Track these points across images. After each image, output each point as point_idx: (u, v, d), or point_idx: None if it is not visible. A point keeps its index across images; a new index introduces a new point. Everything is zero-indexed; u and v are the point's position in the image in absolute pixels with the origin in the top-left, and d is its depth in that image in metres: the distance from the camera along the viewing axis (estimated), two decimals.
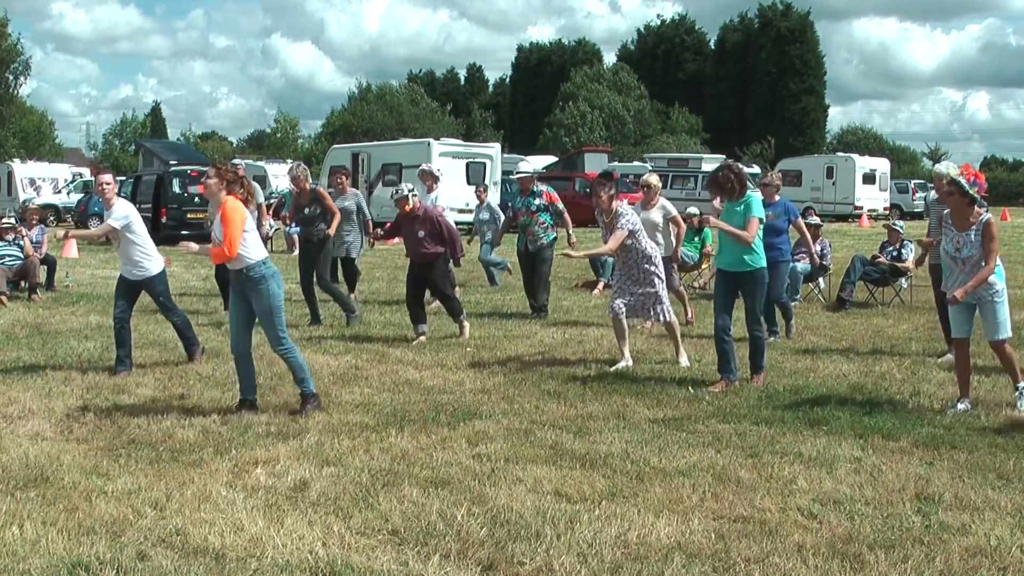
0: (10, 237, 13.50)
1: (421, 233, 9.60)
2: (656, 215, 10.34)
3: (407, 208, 9.65)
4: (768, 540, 4.38)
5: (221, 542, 4.34)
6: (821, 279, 13.56)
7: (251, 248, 6.67)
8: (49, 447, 5.88)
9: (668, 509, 4.77)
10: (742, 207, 7.55)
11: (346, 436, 6.12)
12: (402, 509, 4.76)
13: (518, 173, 12.18)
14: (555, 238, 11.62)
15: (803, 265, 13.06)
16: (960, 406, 6.78)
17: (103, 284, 14.42)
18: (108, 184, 8.27)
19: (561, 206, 11.67)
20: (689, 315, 10.79)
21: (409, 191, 9.75)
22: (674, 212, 10.63)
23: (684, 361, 8.52)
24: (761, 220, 7.59)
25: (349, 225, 12.55)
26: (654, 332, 10.15)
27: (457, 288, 12.97)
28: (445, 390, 7.54)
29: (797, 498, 4.95)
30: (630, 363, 8.42)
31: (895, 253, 12.71)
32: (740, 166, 8.16)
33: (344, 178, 12.72)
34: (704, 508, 4.81)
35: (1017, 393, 6.77)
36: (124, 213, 8.15)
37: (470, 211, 20.64)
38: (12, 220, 14.31)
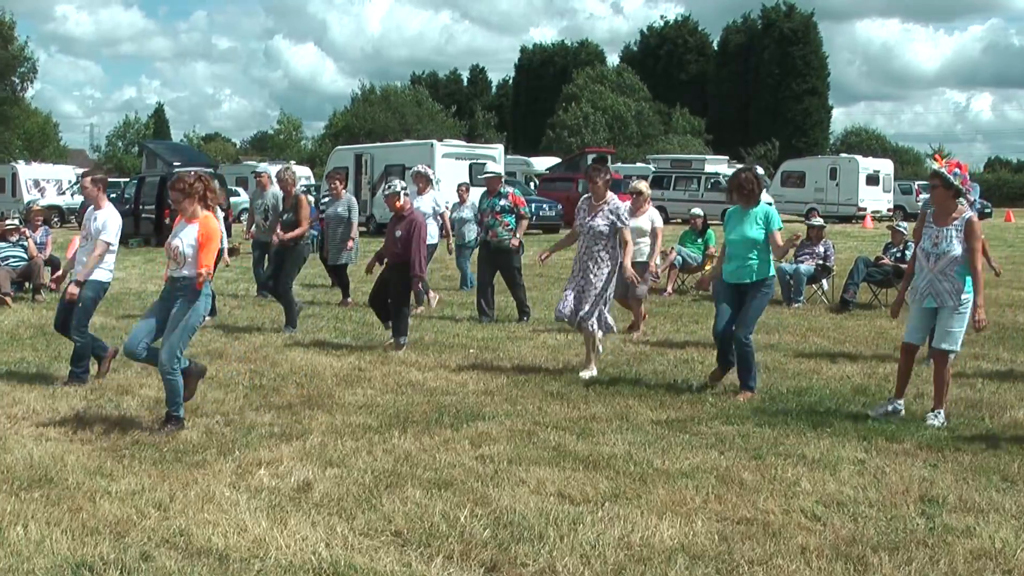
0: (14, 238, 13.53)
1: (398, 233, 9.47)
2: (644, 222, 10.25)
3: (398, 205, 9.56)
4: (771, 542, 4.38)
5: (225, 543, 4.35)
6: (825, 281, 13.56)
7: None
8: (53, 448, 5.89)
9: (671, 511, 4.77)
10: (754, 215, 7.38)
11: (349, 437, 6.13)
12: (405, 510, 4.77)
13: (485, 173, 12.04)
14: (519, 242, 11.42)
15: (806, 267, 13.07)
16: (890, 407, 6.70)
17: None
18: (87, 187, 7.73)
19: (524, 210, 11.46)
20: (641, 328, 10.34)
21: (402, 188, 9.67)
22: (660, 224, 10.54)
23: (590, 373, 8.04)
24: (780, 230, 7.44)
25: (344, 231, 12.46)
26: (651, 337, 10.14)
27: (437, 296, 12.53)
28: (448, 391, 7.54)
29: (800, 500, 4.95)
30: (594, 373, 8.11)
31: (899, 254, 12.69)
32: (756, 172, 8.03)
33: (339, 183, 12.60)
34: (707, 510, 4.80)
35: (932, 414, 6.56)
36: (118, 226, 7.69)
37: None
38: (16, 221, 14.35)
